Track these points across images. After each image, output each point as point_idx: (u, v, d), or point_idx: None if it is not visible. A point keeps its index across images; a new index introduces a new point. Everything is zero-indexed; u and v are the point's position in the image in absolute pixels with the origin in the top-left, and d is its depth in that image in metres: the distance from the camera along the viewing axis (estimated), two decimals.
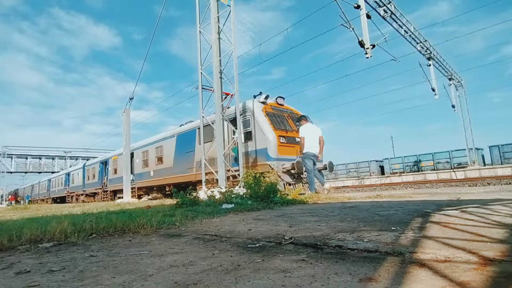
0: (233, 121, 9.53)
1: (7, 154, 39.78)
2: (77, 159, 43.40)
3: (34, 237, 2.31)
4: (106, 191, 20.13)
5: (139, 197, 15.99)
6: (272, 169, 8.67)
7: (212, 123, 8.85)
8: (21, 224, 3.00)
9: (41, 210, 8.57)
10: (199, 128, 10.80)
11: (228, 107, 9.79)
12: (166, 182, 13.48)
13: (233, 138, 9.61)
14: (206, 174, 9.51)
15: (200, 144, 10.89)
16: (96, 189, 21.90)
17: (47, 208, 10.70)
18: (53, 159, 43.64)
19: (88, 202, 21.58)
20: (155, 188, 15.08)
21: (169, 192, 13.17)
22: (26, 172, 43.10)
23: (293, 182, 8.98)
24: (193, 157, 11.75)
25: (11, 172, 41.11)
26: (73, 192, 26.63)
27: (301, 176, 9.30)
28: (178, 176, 12.61)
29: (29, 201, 39.85)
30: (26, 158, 42.07)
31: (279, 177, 8.53)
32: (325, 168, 9.72)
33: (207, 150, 9.64)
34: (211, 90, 8.91)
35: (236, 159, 9.67)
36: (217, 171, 8.36)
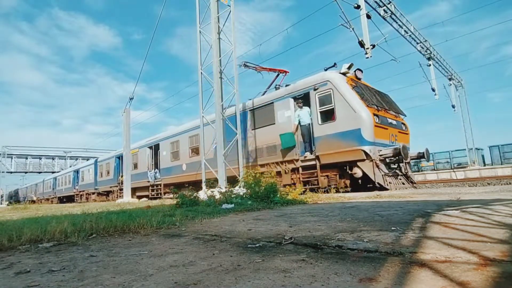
0: (303, 98, 8.21)
1: (7, 154, 39.78)
2: (77, 159, 43.41)
3: (34, 237, 2.31)
4: (121, 189, 17.91)
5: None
6: (368, 156, 7.02)
7: (264, 106, 8.15)
8: (21, 224, 3.00)
9: (41, 210, 8.57)
10: (251, 110, 9.72)
11: (287, 85, 8.92)
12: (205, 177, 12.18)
13: (298, 117, 8.34)
14: (264, 165, 8.60)
15: (253, 129, 9.72)
16: (110, 187, 19.59)
17: (47, 208, 10.69)
18: (53, 159, 43.66)
19: (100, 201, 19.65)
20: (186, 185, 12.85)
21: None
22: (26, 172, 43.13)
23: (390, 174, 7.40)
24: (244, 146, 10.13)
25: (11, 172, 41.13)
26: (83, 191, 24.43)
27: (401, 165, 7.74)
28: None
29: (32, 201, 39.37)
30: (26, 158, 42.08)
31: (377, 166, 7.02)
32: (422, 157, 7.89)
33: (260, 137, 8.81)
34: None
35: (302, 144, 8.28)
36: (279, 162, 7.72)
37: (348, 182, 7.67)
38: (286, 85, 9.30)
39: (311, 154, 8.17)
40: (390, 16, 14.40)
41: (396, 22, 14.97)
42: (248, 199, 5.17)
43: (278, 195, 5.26)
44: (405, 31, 15.69)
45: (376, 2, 13.56)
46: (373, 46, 11.16)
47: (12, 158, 40.68)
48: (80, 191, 25.29)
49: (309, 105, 8.40)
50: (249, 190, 5.59)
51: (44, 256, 1.83)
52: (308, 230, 2.17)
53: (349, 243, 1.64)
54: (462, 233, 1.71)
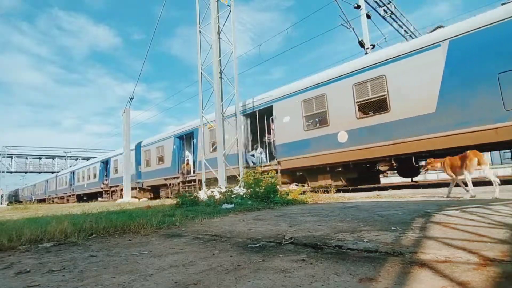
0: None
1: (7, 154, 39.80)
2: (77, 159, 43.42)
3: (34, 237, 2.31)
4: (189, 181, 12.55)
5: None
6: None
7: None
8: (21, 224, 3.00)
9: (41, 210, 8.58)
10: None
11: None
12: (399, 152, 6.72)
13: None
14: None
15: None
16: (166, 178, 13.92)
17: (48, 208, 10.70)
18: (53, 159, 43.67)
19: (149, 199, 14.64)
20: (341, 168, 7.82)
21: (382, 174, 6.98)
22: (26, 172, 43.13)
23: None
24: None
25: (11, 172, 41.15)
26: (116, 186, 18.84)
27: None
28: (455, 134, 5.97)
29: (43, 199, 37.00)
30: (26, 158, 42.08)
31: None
32: None
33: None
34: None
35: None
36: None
37: None
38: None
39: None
40: (390, 16, 14.42)
41: (396, 22, 14.99)
42: (248, 199, 5.17)
43: (278, 195, 5.26)
44: (405, 31, 15.70)
45: (376, 2, 13.58)
46: (373, 46, 11.19)
47: (12, 158, 40.69)
48: (111, 187, 19.82)
49: None
50: (249, 190, 5.59)
51: (44, 256, 1.83)
52: (308, 230, 2.17)
53: (349, 243, 1.64)
54: (462, 233, 1.71)
